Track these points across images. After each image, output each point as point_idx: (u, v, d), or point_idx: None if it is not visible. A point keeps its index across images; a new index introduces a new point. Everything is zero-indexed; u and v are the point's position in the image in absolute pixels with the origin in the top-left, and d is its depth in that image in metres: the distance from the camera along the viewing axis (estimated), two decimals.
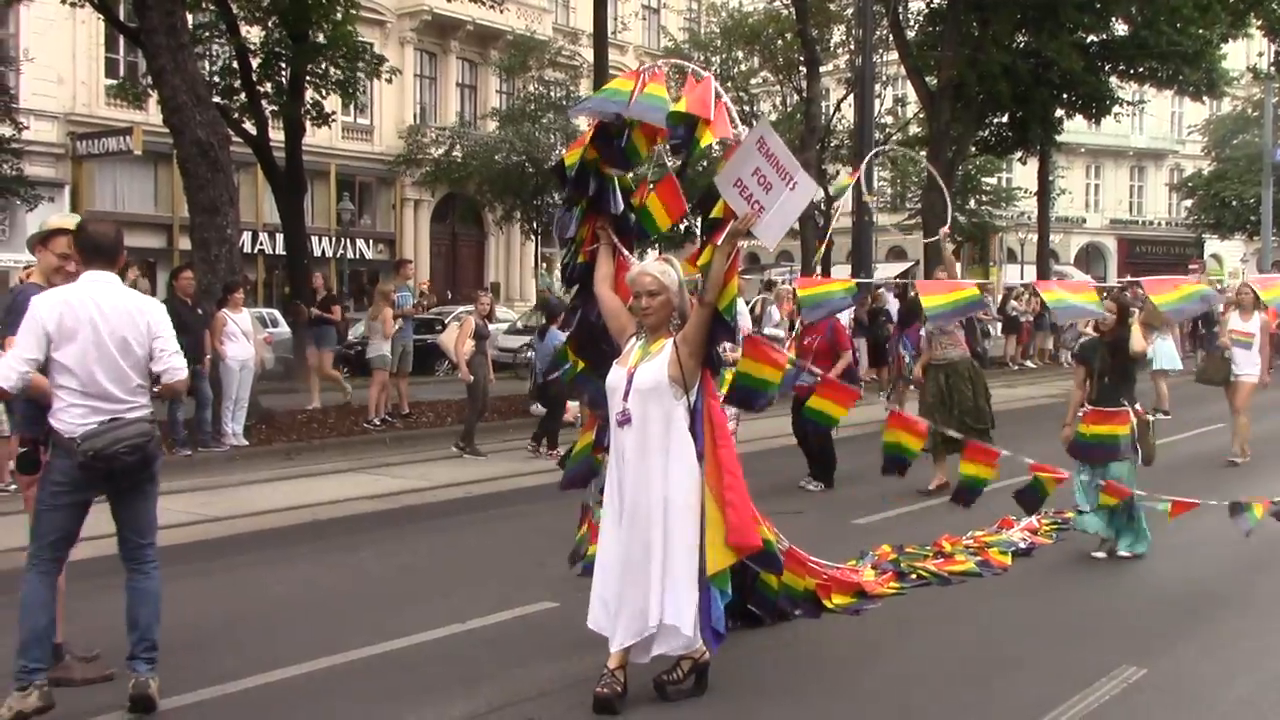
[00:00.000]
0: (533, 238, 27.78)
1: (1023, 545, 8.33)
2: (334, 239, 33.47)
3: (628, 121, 5.80)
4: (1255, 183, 39.41)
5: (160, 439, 5.53)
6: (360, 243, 35.54)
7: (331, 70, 21.55)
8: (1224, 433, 14.94)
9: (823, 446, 11.02)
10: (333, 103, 23.61)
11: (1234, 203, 44.30)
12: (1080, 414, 8.40)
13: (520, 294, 38.49)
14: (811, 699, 5.48)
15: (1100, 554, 8.13)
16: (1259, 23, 26.48)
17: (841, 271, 30.08)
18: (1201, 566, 8.04)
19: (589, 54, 23.22)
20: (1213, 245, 53.63)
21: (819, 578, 6.84)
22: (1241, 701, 5.46)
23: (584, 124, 6.05)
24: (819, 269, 28.01)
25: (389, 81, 25.15)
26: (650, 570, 5.19)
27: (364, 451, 13.89)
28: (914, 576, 7.56)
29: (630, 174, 6.21)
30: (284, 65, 21.01)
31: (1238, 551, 8.21)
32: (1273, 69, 28.90)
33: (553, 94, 28.08)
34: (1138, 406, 8.26)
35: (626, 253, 5.96)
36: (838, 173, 32.98)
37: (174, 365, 5.28)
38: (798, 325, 11.37)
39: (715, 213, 5.51)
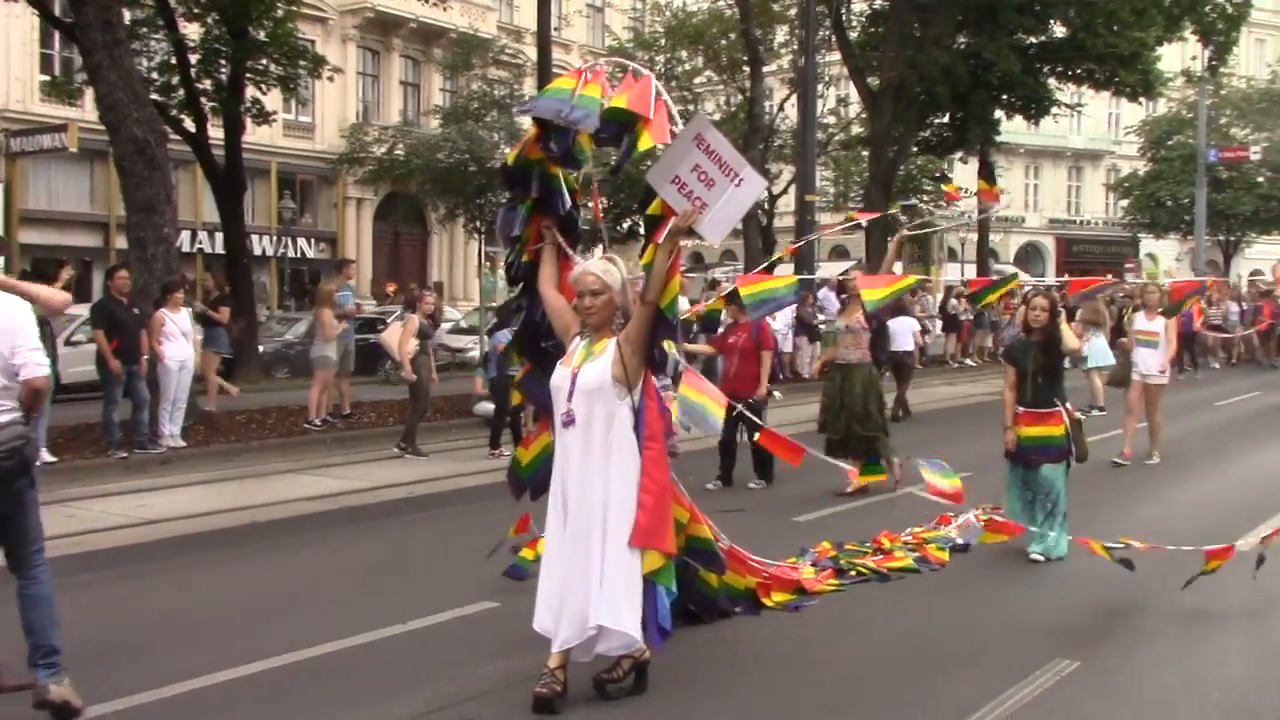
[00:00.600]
0: (476, 237, 27.61)
1: (960, 541, 8.42)
2: (275, 238, 33.13)
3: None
4: (1189, 183, 40.18)
5: (35, 442, 5.36)
6: (302, 242, 35.23)
7: (272, 67, 21.34)
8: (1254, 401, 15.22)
9: (725, 442, 10.96)
10: (273, 100, 23.38)
11: (1169, 203, 45.06)
12: (1015, 415, 8.33)
13: (464, 293, 38.33)
14: (751, 696, 5.52)
15: (1039, 557, 8.15)
16: (1193, 27, 26.95)
17: (785, 271, 30.25)
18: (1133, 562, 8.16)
19: (533, 52, 23.15)
20: (1148, 244, 54.52)
21: (759, 576, 6.88)
22: (1168, 694, 5.58)
23: (528, 122, 6.01)
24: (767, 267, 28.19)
25: (330, 80, 24.95)
26: (591, 572, 5.19)
27: (304, 452, 13.77)
28: (853, 573, 7.62)
29: (578, 174, 6.20)
30: (223, 62, 20.76)
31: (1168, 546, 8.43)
32: (1205, 72, 29.41)
33: (496, 92, 27.90)
34: (1068, 405, 8.26)
35: (571, 252, 5.96)
36: (780, 172, 33.14)
37: (32, 361, 4.98)
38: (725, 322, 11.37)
39: (653, 209, 5.51)
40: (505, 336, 11.38)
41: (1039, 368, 8.19)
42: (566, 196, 5.98)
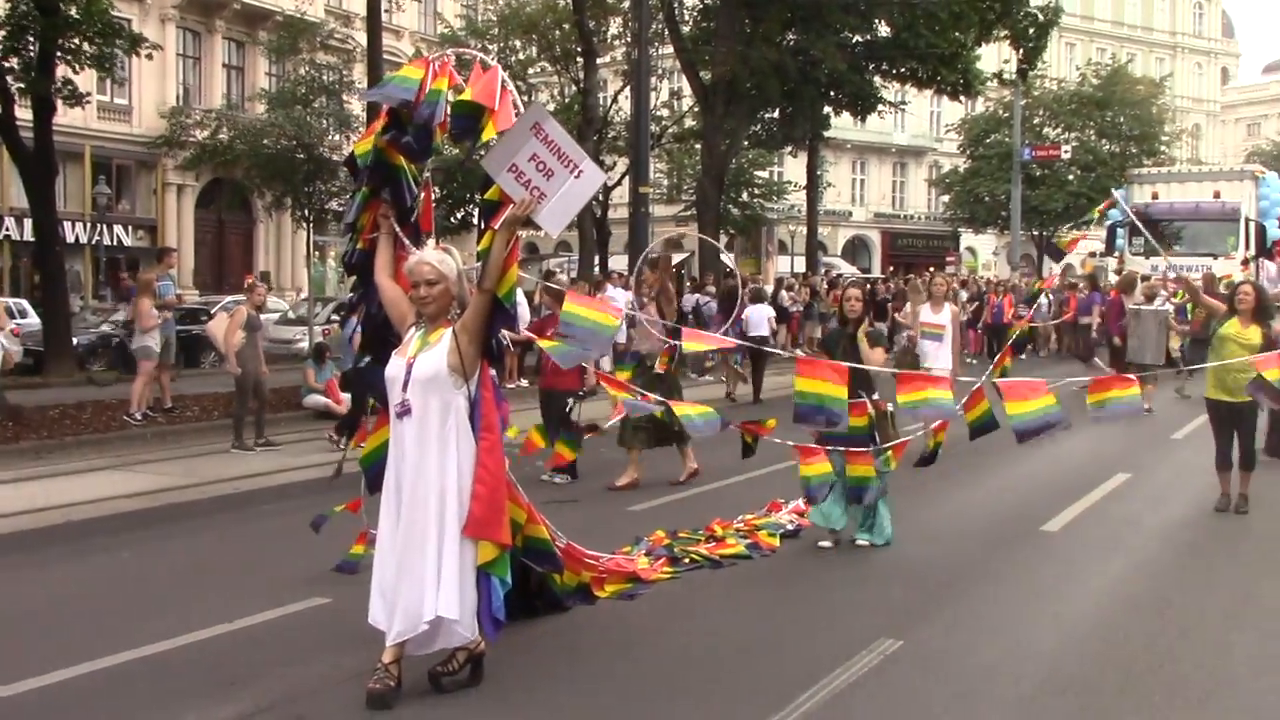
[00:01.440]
0: (304, 225, 26.93)
1: (790, 527, 8.61)
2: (89, 225, 31.73)
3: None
4: (1006, 180, 41.94)
5: None
6: (119, 229, 33.83)
7: (85, 46, 20.36)
8: None
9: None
10: (87, 81, 22.33)
11: (987, 199, 46.97)
12: None
13: (292, 283, 37.38)
14: (585, 685, 5.54)
15: (827, 544, 8.19)
16: (1006, 32, 28.08)
17: (618, 262, 30.39)
18: (950, 545, 8.48)
19: (363, 37, 22.67)
20: (968, 239, 56.77)
21: (595, 570, 6.90)
22: (986, 668, 5.81)
23: (358, 108, 5.89)
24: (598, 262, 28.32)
25: (149, 58, 23.98)
26: (426, 564, 5.13)
27: (123, 448, 13.22)
28: (687, 561, 7.72)
29: (423, 165, 6.10)
30: (32, 40, 19.71)
31: (984, 529, 8.82)
32: (1017, 76, 30.70)
33: (325, 78, 27.26)
34: (875, 397, 8.29)
35: (407, 242, 5.86)
36: (615, 164, 33.29)
37: None
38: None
39: (490, 195, 5.46)
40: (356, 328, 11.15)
41: (849, 360, 8.11)
42: (412, 186, 5.90)
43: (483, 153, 5.55)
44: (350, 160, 5.96)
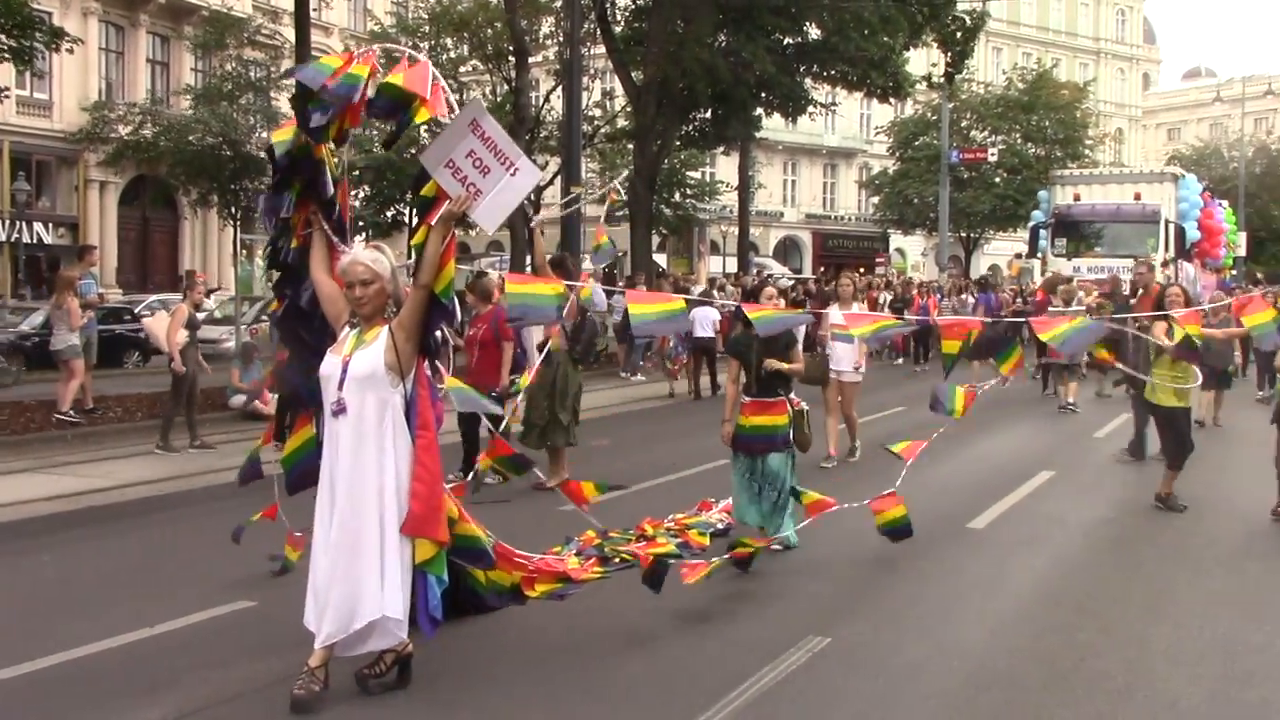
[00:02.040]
0: (231, 223, 26.58)
1: (720, 526, 8.62)
2: (8, 222, 31.02)
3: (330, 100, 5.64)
4: (934, 182, 42.45)
5: None
6: (39, 226, 33.11)
7: (3, 39, 19.89)
8: (899, 418, 16.04)
9: (466, 433, 10.87)
10: (5, 75, 21.85)
11: (915, 200, 47.46)
12: (740, 405, 8.35)
13: (219, 282, 36.83)
14: (517, 685, 5.52)
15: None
16: (934, 36, 28.44)
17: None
18: (878, 542, 8.54)
19: (291, 33, 22.41)
20: (897, 240, 57.42)
21: (525, 570, 6.87)
22: (913, 665, 5.88)
23: (286, 105, 5.82)
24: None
25: (70, 52, 23.50)
26: (365, 564, 5.07)
27: (42, 450, 12.93)
28: (617, 560, 7.68)
29: (338, 161, 6.02)
30: None
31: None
32: (943, 79, 31.10)
33: (252, 74, 26.94)
34: (792, 396, 8.34)
35: (337, 239, 5.79)
36: (546, 163, 33.23)
37: None
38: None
39: (427, 190, 5.42)
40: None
41: (761, 361, 8.16)
42: (330, 182, 5.83)
43: (421, 145, 5.51)
44: (269, 149, 5.86)
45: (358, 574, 5.06)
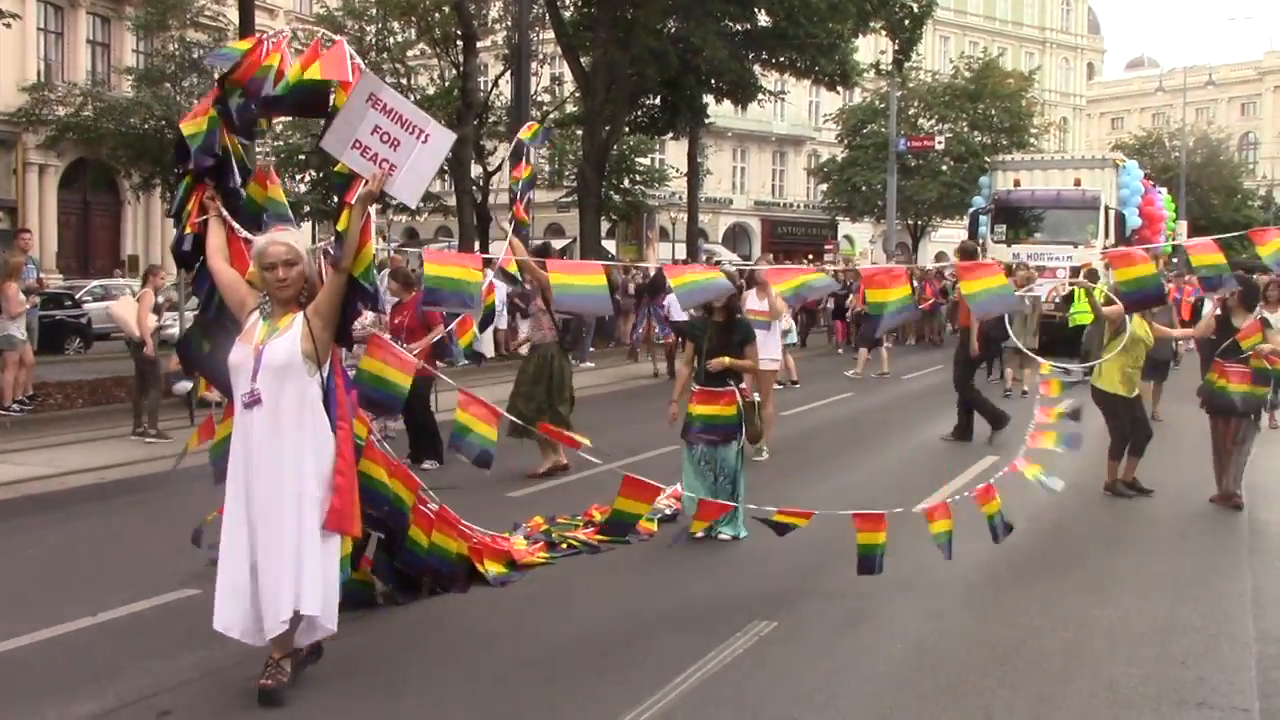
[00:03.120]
0: None
1: (669, 512, 8.64)
2: None
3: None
4: (882, 170, 42.67)
5: None
6: None
7: None
8: (850, 402, 16.16)
9: (423, 420, 10.88)
10: None
11: (863, 188, 47.78)
12: (690, 393, 8.37)
13: (162, 267, 36.30)
14: (463, 674, 5.51)
15: (700, 533, 8.11)
16: (882, 23, 28.57)
17: (499, 249, 30.10)
18: (824, 526, 8.59)
19: (235, 14, 22.09)
20: (846, 227, 57.76)
21: (470, 541, 6.85)
22: (856, 648, 5.95)
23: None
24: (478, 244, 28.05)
25: (8, 26, 23.04)
26: (286, 559, 4.92)
27: None
28: (565, 546, 7.71)
29: (263, 156, 5.96)
30: None
31: (858, 510, 8.95)
32: (892, 66, 31.23)
33: (196, 55, 26.54)
34: (743, 386, 8.34)
35: (239, 227, 5.69)
36: (495, 149, 33.05)
37: None
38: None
39: (341, 168, 5.32)
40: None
41: (715, 347, 8.17)
42: (237, 170, 5.75)
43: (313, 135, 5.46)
44: (179, 142, 5.73)
45: (282, 570, 4.90)
